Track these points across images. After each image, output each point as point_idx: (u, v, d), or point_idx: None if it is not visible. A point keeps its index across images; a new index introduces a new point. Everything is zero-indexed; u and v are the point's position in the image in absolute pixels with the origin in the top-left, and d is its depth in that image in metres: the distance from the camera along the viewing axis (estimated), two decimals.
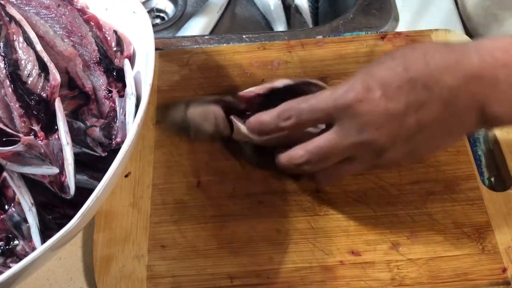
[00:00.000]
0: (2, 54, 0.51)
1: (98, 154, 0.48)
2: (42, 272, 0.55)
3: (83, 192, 0.44)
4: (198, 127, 0.58)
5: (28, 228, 0.45)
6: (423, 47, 0.47)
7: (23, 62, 0.51)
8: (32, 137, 0.46)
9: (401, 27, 0.72)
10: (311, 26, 0.90)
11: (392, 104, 0.45)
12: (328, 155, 0.48)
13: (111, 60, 0.54)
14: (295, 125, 0.49)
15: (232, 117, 0.56)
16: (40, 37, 0.53)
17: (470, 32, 0.73)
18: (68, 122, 0.47)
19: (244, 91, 0.56)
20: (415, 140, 0.46)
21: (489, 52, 0.44)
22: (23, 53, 0.51)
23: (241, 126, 0.54)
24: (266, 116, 0.51)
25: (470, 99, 0.44)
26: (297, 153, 0.50)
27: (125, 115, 0.49)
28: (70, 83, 0.52)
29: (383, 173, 0.57)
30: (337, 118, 0.46)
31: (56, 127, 0.47)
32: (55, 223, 0.47)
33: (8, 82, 0.49)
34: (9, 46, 0.52)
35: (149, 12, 0.93)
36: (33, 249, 0.44)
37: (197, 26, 0.85)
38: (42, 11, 0.57)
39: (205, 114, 0.57)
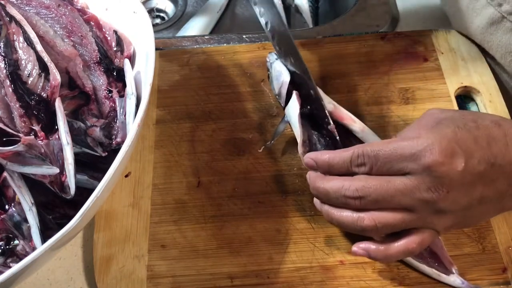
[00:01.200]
0: (3, 54, 0.51)
1: (98, 154, 0.48)
2: (42, 272, 0.55)
3: (83, 192, 0.44)
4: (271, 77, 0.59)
5: (28, 228, 0.45)
6: (504, 125, 0.47)
7: (23, 62, 0.51)
8: (32, 137, 0.46)
9: (401, 27, 0.72)
10: (311, 26, 0.90)
11: (469, 174, 0.45)
12: (386, 200, 0.46)
13: (111, 60, 0.54)
14: (368, 172, 0.48)
15: (294, 92, 0.56)
16: (40, 37, 0.53)
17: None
18: (68, 122, 0.47)
19: None
20: (473, 211, 0.47)
21: None
22: (23, 53, 0.51)
23: (296, 106, 0.54)
24: (337, 159, 0.49)
25: None
26: (353, 184, 0.47)
27: (125, 115, 0.49)
28: (70, 83, 0.52)
29: None
30: (410, 171, 0.46)
31: (56, 127, 0.47)
32: (55, 223, 0.47)
33: (8, 82, 0.49)
34: (10, 46, 0.52)
35: (149, 12, 0.93)
36: (33, 249, 0.44)
37: (197, 26, 0.85)
38: (42, 11, 0.57)
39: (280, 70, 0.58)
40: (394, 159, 0.46)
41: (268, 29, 0.60)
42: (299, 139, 0.55)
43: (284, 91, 0.57)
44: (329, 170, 0.50)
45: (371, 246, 0.49)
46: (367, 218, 0.47)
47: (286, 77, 0.57)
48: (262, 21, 0.61)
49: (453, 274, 0.51)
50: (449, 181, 0.45)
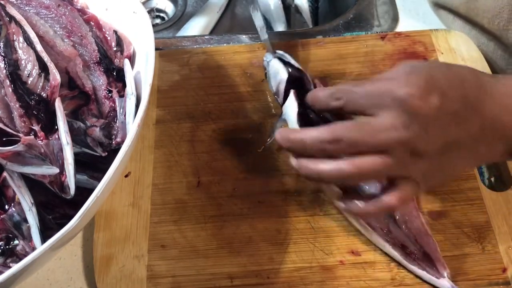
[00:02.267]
0: (2, 54, 0.51)
1: (98, 154, 0.48)
2: (42, 272, 0.55)
3: (83, 192, 0.44)
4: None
5: (28, 228, 0.45)
6: (476, 72, 0.48)
7: (23, 62, 0.51)
8: (32, 137, 0.46)
9: (401, 27, 0.72)
10: (311, 26, 0.90)
11: (443, 112, 0.45)
12: (362, 140, 0.46)
13: (111, 60, 0.54)
14: (343, 107, 0.48)
15: (292, 91, 0.55)
16: (40, 37, 0.53)
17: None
18: (68, 122, 0.47)
19: None
20: (448, 157, 0.47)
21: None
22: (23, 53, 0.51)
23: (293, 104, 0.53)
24: (321, 93, 0.50)
25: (501, 129, 0.47)
26: (330, 128, 0.47)
27: (125, 115, 0.49)
28: (70, 83, 0.52)
29: None
30: (387, 107, 0.45)
31: (56, 127, 0.47)
32: (55, 223, 0.47)
33: (8, 82, 0.49)
34: (9, 46, 0.52)
35: (149, 12, 0.93)
36: (33, 249, 0.44)
37: (197, 26, 0.85)
38: (42, 11, 0.57)
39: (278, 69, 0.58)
40: (369, 94, 0.46)
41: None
42: None
43: (282, 89, 0.57)
44: (313, 103, 0.50)
45: (353, 201, 0.48)
46: (347, 163, 0.46)
47: (283, 75, 0.57)
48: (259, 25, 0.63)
49: (444, 278, 0.50)
50: (425, 118, 0.45)
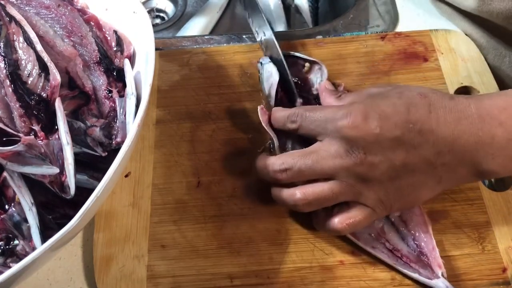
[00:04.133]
0: (2, 54, 0.51)
1: (98, 154, 0.48)
2: (42, 272, 0.55)
3: (83, 192, 0.44)
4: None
5: (28, 228, 0.45)
6: (430, 96, 0.49)
7: (23, 62, 0.51)
8: (32, 137, 0.46)
9: (401, 27, 0.72)
10: (311, 26, 0.90)
11: (385, 138, 0.47)
12: (309, 168, 0.49)
13: (111, 60, 0.54)
14: (298, 129, 0.52)
15: (280, 93, 0.59)
16: (40, 37, 0.53)
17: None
18: (68, 122, 0.47)
19: None
20: (401, 182, 0.48)
21: (487, 109, 0.47)
22: (23, 53, 0.51)
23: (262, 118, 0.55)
24: (279, 113, 0.54)
25: (463, 152, 0.47)
26: (279, 159, 0.51)
27: (125, 115, 0.49)
28: (70, 83, 0.52)
29: None
30: (331, 135, 0.49)
31: (56, 127, 0.47)
32: (55, 223, 0.47)
33: (8, 82, 0.49)
34: (9, 46, 0.52)
35: (149, 12, 0.93)
36: (33, 249, 0.44)
37: (197, 26, 0.85)
38: (42, 11, 0.57)
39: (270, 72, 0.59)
40: (317, 120, 0.50)
41: (259, 39, 0.64)
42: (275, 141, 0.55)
43: (273, 92, 0.58)
44: (274, 122, 0.54)
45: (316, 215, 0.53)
46: (298, 192, 0.50)
47: (275, 77, 0.58)
48: (254, 29, 0.65)
49: (438, 278, 0.50)
50: (365, 144, 0.47)
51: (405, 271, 0.51)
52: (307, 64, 0.61)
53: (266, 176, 0.52)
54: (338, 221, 0.50)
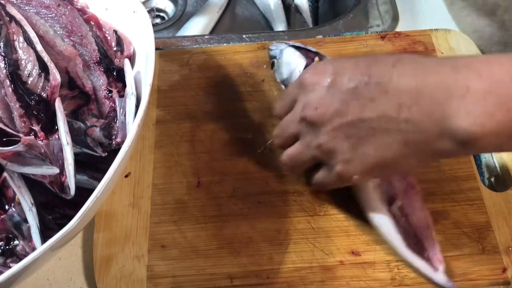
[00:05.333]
0: (2, 54, 0.51)
1: (98, 154, 0.48)
2: (42, 272, 0.55)
3: (83, 192, 0.44)
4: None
5: (28, 228, 0.45)
6: (402, 56, 0.46)
7: (23, 62, 0.51)
8: (32, 137, 0.46)
9: (401, 27, 0.72)
10: (311, 26, 0.90)
11: (337, 89, 0.45)
12: (287, 127, 0.51)
13: (111, 60, 0.54)
14: (281, 135, 0.53)
15: None
16: (40, 37, 0.53)
17: None
18: (68, 122, 0.47)
19: None
20: (359, 138, 0.45)
21: (465, 64, 0.41)
22: (23, 53, 0.51)
23: None
24: (290, 150, 0.53)
25: (430, 106, 0.41)
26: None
27: (125, 115, 0.49)
28: (70, 83, 0.52)
29: None
30: (297, 97, 0.49)
31: (56, 127, 0.47)
32: (55, 223, 0.47)
33: (8, 82, 0.49)
34: (9, 46, 0.52)
35: (149, 12, 0.93)
36: (33, 249, 0.44)
37: (197, 26, 0.85)
38: (42, 10, 0.57)
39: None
40: (293, 86, 0.50)
41: None
42: None
43: (295, 75, 0.58)
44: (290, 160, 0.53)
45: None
46: (283, 155, 0.53)
47: (301, 61, 0.58)
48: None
49: (440, 272, 0.50)
50: (317, 97, 0.46)
51: (413, 258, 0.51)
52: (316, 58, 0.61)
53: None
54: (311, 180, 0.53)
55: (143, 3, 0.91)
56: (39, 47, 0.51)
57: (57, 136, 0.46)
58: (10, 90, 0.49)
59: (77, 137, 0.48)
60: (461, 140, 0.40)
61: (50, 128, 0.47)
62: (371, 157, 0.45)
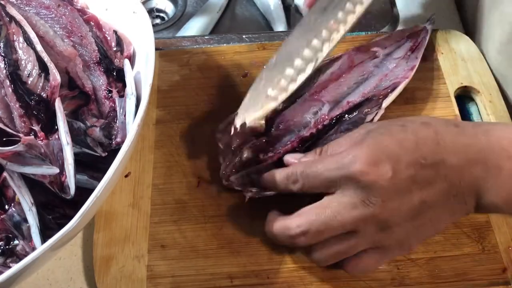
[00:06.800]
0: (2, 54, 0.51)
1: (98, 154, 0.48)
2: (42, 272, 0.55)
3: (83, 192, 0.44)
4: None
5: (28, 228, 0.45)
6: (435, 124, 0.46)
7: (23, 62, 0.51)
8: (32, 137, 0.46)
9: (401, 27, 0.72)
10: None
11: (399, 180, 0.44)
12: (328, 226, 0.46)
13: (111, 60, 0.54)
14: (302, 189, 0.48)
15: None
16: (40, 37, 0.53)
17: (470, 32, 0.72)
18: (68, 122, 0.47)
19: None
20: (421, 220, 0.46)
21: (497, 140, 0.45)
22: (23, 53, 0.51)
23: None
24: (277, 176, 0.50)
25: (473, 182, 0.45)
26: (293, 222, 0.47)
27: (125, 115, 0.49)
28: (70, 83, 0.52)
29: None
30: (341, 187, 0.46)
31: (56, 127, 0.47)
32: (55, 223, 0.47)
33: (8, 82, 0.49)
34: (9, 46, 0.52)
35: (149, 12, 0.93)
36: (33, 249, 0.44)
37: (197, 26, 0.85)
38: (42, 11, 0.57)
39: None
40: (321, 175, 0.46)
41: None
42: None
43: None
44: (274, 186, 0.51)
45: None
46: (318, 254, 0.48)
47: None
48: None
49: None
50: (381, 190, 0.44)
51: None
52: None
53: (284, 242, 0.49)
54: (351, 265, 0.48)
55: (143, 3, 0.91)
56: (39, 47, 0.51)
57: (57, 136, 0.46)
58: (10, 90, 0.49)
59: (77, 137, 0.48)
60: (486, 209, 0.47)
61: (50, 128, 0.47)
62: (428, 231, 0.48)
